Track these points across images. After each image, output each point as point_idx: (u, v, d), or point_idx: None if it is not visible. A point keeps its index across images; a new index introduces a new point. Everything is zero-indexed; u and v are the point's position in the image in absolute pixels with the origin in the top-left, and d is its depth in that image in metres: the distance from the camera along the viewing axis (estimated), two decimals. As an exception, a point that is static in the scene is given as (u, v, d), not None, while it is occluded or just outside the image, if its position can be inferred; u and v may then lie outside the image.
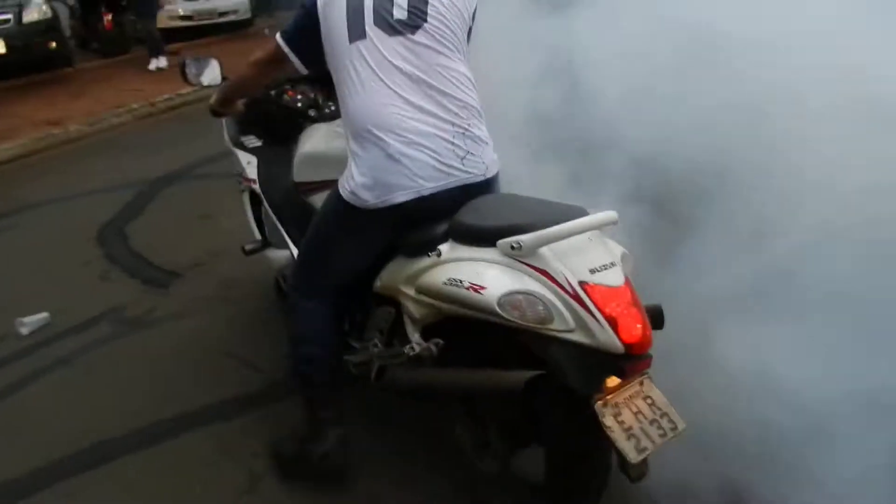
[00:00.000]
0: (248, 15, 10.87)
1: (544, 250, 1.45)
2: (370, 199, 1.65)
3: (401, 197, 1.63)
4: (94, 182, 4.88)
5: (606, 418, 1.37)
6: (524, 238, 1.45)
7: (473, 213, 1.64)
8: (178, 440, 2.29)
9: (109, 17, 9.21)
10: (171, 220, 4.14)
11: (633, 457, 1.36)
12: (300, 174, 2.16)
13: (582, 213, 1.52)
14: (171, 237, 3.86)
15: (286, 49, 1.80)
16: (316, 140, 2.18)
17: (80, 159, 5.66)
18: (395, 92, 1.61)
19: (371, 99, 1.62)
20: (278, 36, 1.82)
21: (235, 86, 2.16)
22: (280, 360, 2.52)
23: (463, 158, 1.66)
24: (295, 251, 2.16)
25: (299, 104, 2.35)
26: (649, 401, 1.43)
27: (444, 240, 1.67)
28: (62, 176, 5.19)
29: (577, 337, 1.41)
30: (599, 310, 1.38)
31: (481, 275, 1.52)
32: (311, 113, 2.34)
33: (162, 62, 8.51)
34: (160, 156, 5.30)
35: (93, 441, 2.29)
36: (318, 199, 2.03)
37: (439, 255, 1.64)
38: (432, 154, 1.62)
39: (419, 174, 1.62)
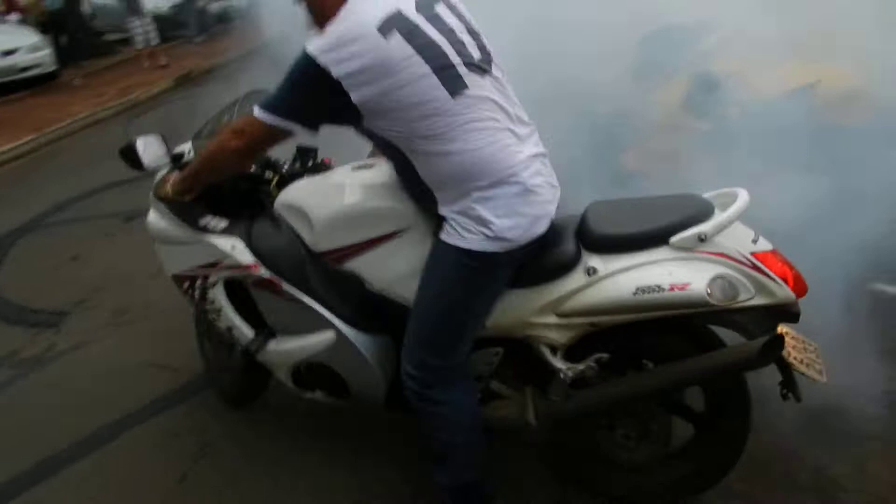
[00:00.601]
0: (53, 67, 10.27)
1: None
2: (516, 236, 1.63)
3: (542, 225, 1.67)
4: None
5: (790, 359, 1.64)
6: (706, 228, 1.61)
7: (619, 223, 1.73)
8: (119, 440, 2.45)
9: None
10: (38, 268, 4.05)
11: (821, 378, 1.64)
12: (324, 242, 1.88)
13: (702, 198, 1.73)
14: (44, 282, 3.81)
15: (285, 124, 1.58)
16: (325, 202, 1.89)
17: None
18: (509, 129, 1.64)
19: (496, 144, 1.61)
20: (261, 114, 1.58)
21: (208, 174, 1.90)
22: (193, 357, 2.69)
23: (552, 179, 1.76)
24: (343, 327, 1.91)
25: (253, 168, 2.15)
26: (790, 335, 1.71)
27: (577, 258, 1.71)
28: None
29: (757, 301, 1.60)
30: (772, 272, 1.61)
31: (675, 273, 1.61)
32: (268, 175, 2.16)
33: (-35, 125, 7.91)
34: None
35: (31, 462, 2.37)
36: (359, 264, 1.86)
37: (595, 272, 1.68)
38: (546, 179, 1.70)
39: (548, 199, 1.69)
